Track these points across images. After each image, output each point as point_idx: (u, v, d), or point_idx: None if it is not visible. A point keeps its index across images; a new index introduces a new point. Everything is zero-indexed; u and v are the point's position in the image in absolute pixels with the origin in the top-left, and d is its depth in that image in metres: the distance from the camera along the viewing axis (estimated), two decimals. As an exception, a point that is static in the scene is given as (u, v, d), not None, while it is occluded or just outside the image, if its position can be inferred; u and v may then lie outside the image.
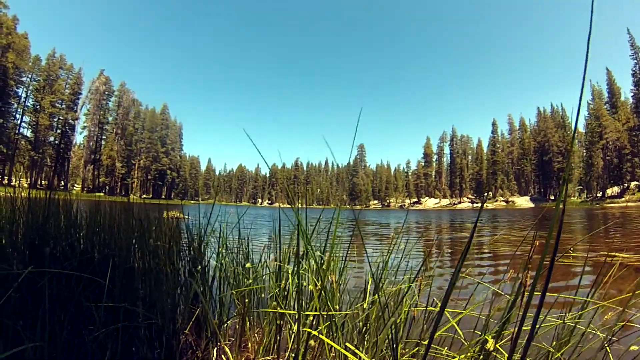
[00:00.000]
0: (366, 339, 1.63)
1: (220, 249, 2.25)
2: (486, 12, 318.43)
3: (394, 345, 0.93)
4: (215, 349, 1.75)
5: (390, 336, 1.68)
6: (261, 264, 2.25)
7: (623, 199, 57.62)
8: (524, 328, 0.72)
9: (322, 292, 1.41)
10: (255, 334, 2.00)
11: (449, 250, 8.42)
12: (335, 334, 1.37)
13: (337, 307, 1.62)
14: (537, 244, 1.20)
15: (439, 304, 1.71)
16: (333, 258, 1.69)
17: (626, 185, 62.28)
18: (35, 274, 1.46)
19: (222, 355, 1.78)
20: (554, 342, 1.40)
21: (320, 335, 1.17)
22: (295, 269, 1.58)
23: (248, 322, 1.99)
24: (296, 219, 1.38)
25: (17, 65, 58.12)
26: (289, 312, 1.64)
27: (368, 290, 1.78)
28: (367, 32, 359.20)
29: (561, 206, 0.59)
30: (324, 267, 1.57)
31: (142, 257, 1.98)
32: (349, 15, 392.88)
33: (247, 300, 1.93)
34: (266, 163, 1.28)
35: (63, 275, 1.60)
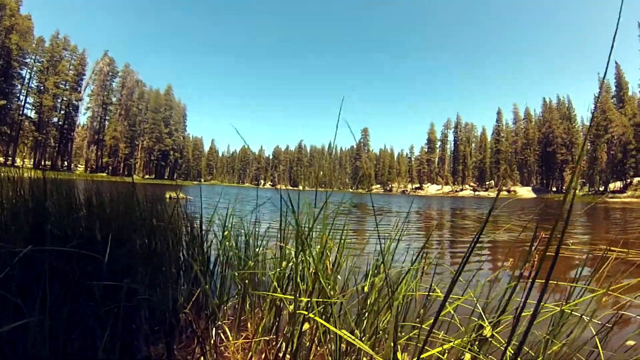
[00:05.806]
0: (364, 322, 1.64)
1: (222, 230, 2.26)
2: (495, 1, 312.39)
3: (395, 328, 0.93)
4: (214, 327, 1.77)
5: (390, 319, 1.70)
6: (263, 245, 2.26)
7: (625, 194, 57.35)
8: (523, 314, 0.72)
9: (318, 275, 1.42)
10: (255, 315, 2.02)
11: (450, 237, 8.46)
12: (333, 317, 1.38)
13: (335, 290, 1.63)
14: (543, 234, 1.19)
15: (437, 290, 1.72)
16: (330, 241, 1.69)
17: (629, 180, 61.91)
18: (36, 252, 1.46)
19: (222, 334, 1.80)
20: (548, 330, 1.41)
21: (316, 317, 1.18)
22: (295, 252, 1.58)
23: (248, 303, 2.01)
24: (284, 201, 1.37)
25: (21, 47, 57.81)
26: (286, 296, 1.64)
27: (370, 273, 1.79)
28: (372, 17, 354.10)
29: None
30: (319, 250, 1.58)
31: (143, 237, 1.99)
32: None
33: (247, 281, 1.94)
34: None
35: (64, 254, 1.61)
